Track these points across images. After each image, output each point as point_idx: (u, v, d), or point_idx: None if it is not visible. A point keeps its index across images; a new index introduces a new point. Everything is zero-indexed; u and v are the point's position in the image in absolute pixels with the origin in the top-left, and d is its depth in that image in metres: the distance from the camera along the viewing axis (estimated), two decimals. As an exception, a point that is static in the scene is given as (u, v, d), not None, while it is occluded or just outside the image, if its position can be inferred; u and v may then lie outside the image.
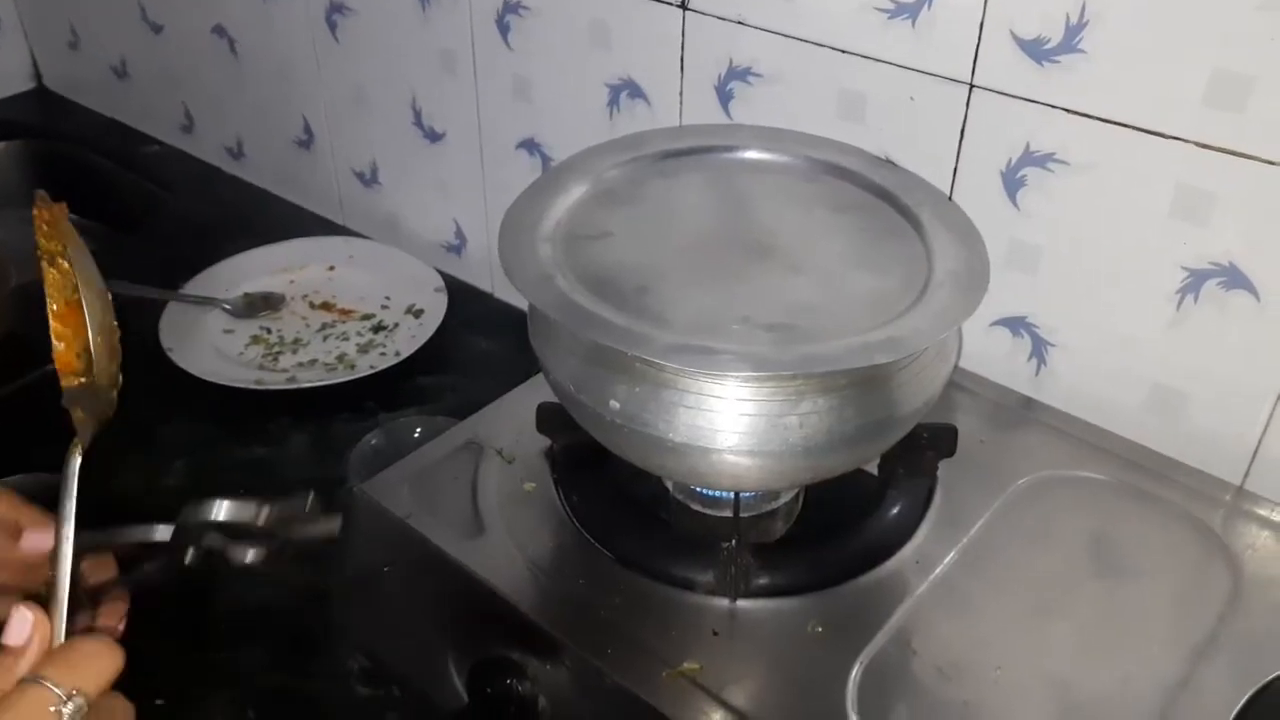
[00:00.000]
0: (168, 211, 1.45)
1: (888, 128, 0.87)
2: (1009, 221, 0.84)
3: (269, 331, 1.20)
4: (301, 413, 1.09)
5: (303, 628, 0.89)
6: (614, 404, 0.65)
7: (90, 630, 0.55)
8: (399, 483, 0.78)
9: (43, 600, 0.47)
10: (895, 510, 0.77)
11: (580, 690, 0.68)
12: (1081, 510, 0.78)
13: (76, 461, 0.52)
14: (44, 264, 0.54)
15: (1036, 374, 0.89)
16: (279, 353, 1.16)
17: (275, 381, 1.10)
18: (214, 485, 1.02)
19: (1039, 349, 0.88)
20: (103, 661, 0.46)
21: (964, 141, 0.84)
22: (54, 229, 0.54)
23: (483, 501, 0.78)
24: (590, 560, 0.74)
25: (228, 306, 1.21)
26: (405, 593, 0.79)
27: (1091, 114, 0.77)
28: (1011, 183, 0.83)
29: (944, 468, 0.80)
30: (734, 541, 0.70)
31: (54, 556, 0.48)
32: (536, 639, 0.69)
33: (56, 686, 0.44)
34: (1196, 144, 0.74)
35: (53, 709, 0.43)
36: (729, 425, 0.63)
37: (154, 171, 1.53)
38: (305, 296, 1.25)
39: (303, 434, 1.08)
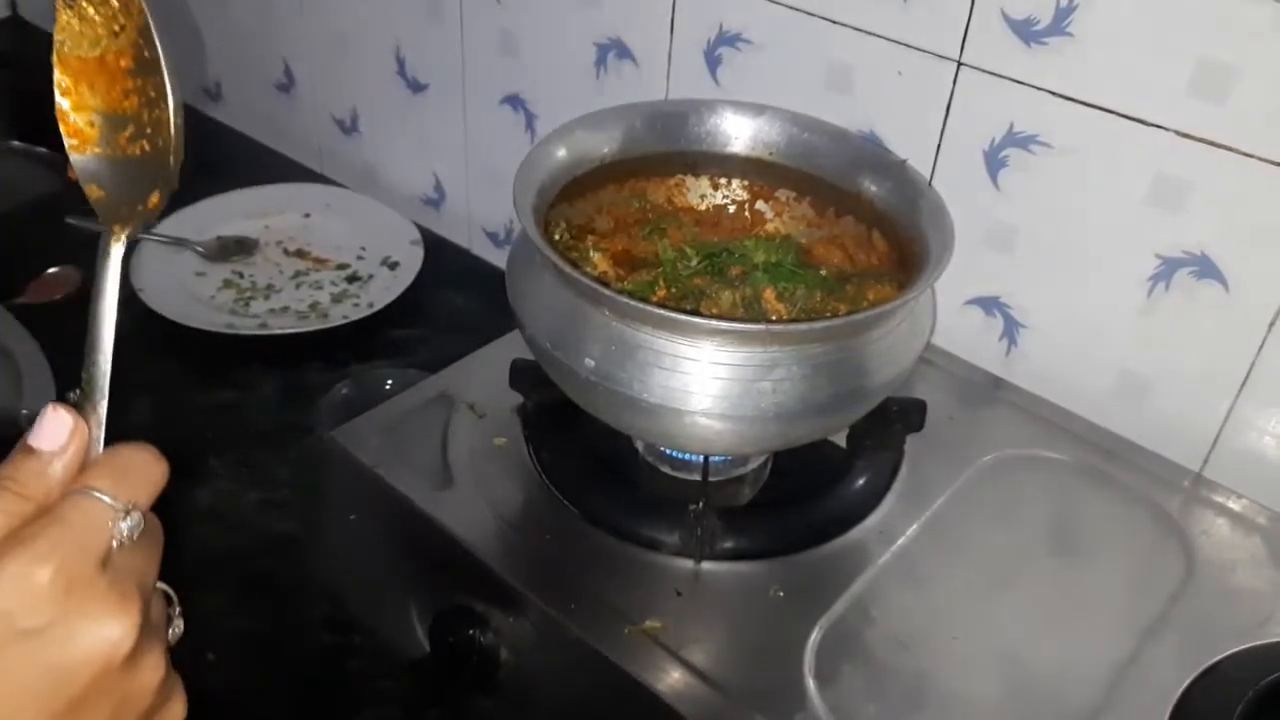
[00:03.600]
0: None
1: (874, 100, 0.87)
2: (989, 201, 0.85)
3: (241, 276, 1.19)
4: (272, 359, 1.09)
5: (265, 573, 0.89)
6: (589, 362, 0.65)
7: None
8: (369, 432, 0.78)
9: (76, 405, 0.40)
10: (861, 481, 0.78)
11: (542, 644, 0.69)
12: (1043, 489, 0.79)
13: (117, 246, 0.44)
14: (60, 6, 0.45)
15: (1007, 354, 0.90)
16: (251, 298, 1.15)
17: (246, 327, 1.09)
18: (179, 427, 1.02)
19: (1010, 329, 0.89)
20: (153, 471, 0.40)
21: (949, 119, 0.84)
22: None
23: (452, 454, 0.78)
24: (558, 517, 0.74)
25: (200, 249, 1.20)
26: (371, 542, 0.79)
27: (1076, 98, 0.77)
28: (994, 162, 0.83)
29: (911, 442, 0.81)
30: (701, 504, 0.71)
31: (90, 352, 0.42)
32: (500, 592, 0.69)
33: (111, 499, 0.37)
34: (1177, 133, 0.74)
35: (110, 524, 0.37)
36: (702, 388, 0.64)
37: (129, 109, 1.50)
38: (280, 243, 1.24)
39: (272, 381, 1.07)
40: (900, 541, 0.74)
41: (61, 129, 0.46)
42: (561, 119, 0.79)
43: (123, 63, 0.45)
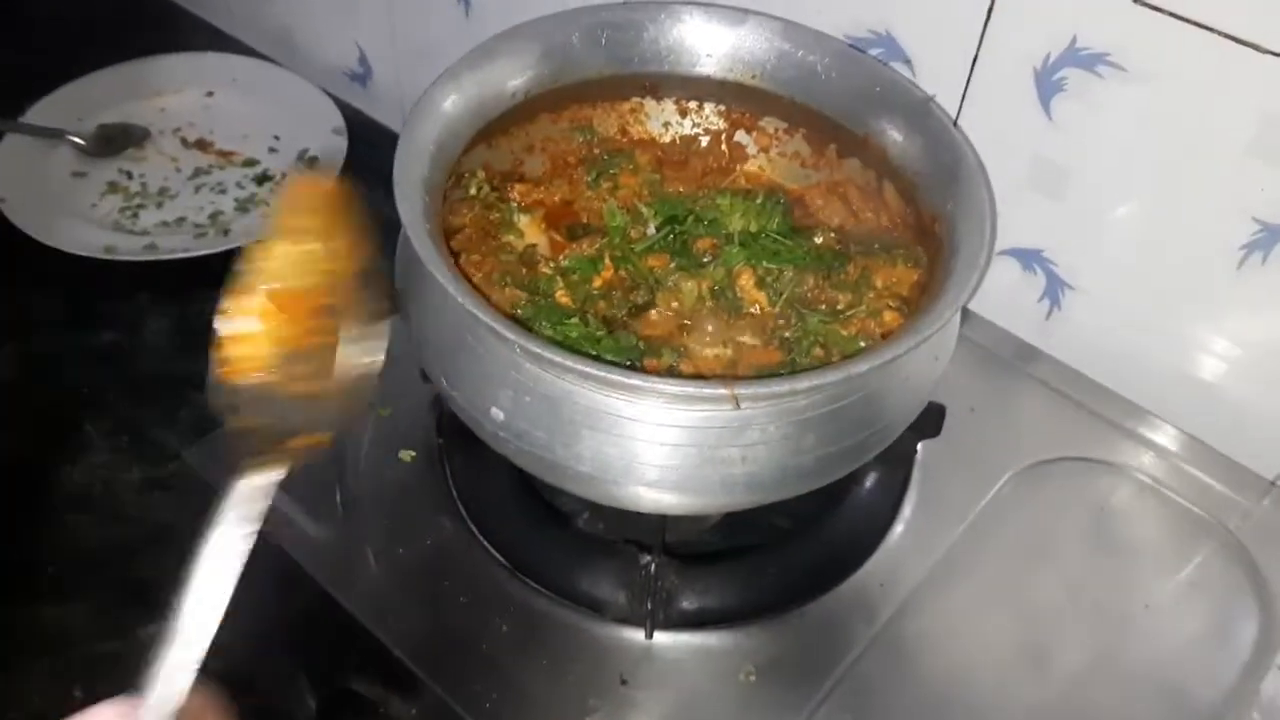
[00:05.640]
0: (5, 10, 1.19)
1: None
2: (1037, 133, 0.65)
3: (129, 176, 0.99)
4: (162, 288, 0.91)
5: (143, 577, 0.74)
6: (497, 414, 0.48)
7: None
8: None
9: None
10: (860, 508, 0.62)
11: (450, 749, 0.55)
12: (1086, 514, 0.64)
13: (260, 489, 0.39)
14: (279, 236, 0.42)
15: (1047, 317, 0.72)
16: (140, 206, 0.96)
17: (131, 250, 0.90)
18: (47, 382, 0.86)
19: (1054, 289, 0.71)
20: None
21: (990, 24, 0.64)
22: (313, 205, 0.43)
23: (345, 476, 0.62)
24: (476, 565, 0.59)
25: (79, 141, 1.00)
26: (244, 595, 0.64)
27: (1165, 8, 0.57)
28: (1046, 85, 0.63)
29: (924, 449, 0.65)
30: (654, 563, 0.55)
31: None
32: (398, 676, 0.55)
33: None
34: (1301, 64, 0.55)
35: None
36: (648, 456, 0.47)
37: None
38: (177, 130, 1.04)
39: (161, 317, 0.89)
40: (907, 595, 0.59)
41: (229, 353, 0.41)
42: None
43: (322, 301, 0.43)
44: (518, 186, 0.62)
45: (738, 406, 0.45)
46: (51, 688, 0.70)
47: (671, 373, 0.50)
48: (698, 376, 0.51)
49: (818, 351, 0.53)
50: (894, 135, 0.59)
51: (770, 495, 0.50)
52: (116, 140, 1.02)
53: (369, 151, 1.03)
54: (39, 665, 0.71)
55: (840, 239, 0.61)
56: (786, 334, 0.56)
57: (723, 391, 0.44)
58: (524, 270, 0.57)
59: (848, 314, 0.57)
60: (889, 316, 0.56)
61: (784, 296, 0.57)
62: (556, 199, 0.63)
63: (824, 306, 0.57)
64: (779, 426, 0.47)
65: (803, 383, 0.44)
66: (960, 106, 0.67)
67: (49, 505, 0.78)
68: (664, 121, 0.66)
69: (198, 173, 1.00)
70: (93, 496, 0.79)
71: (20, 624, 0.72)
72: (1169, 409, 0.68)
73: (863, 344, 0.54)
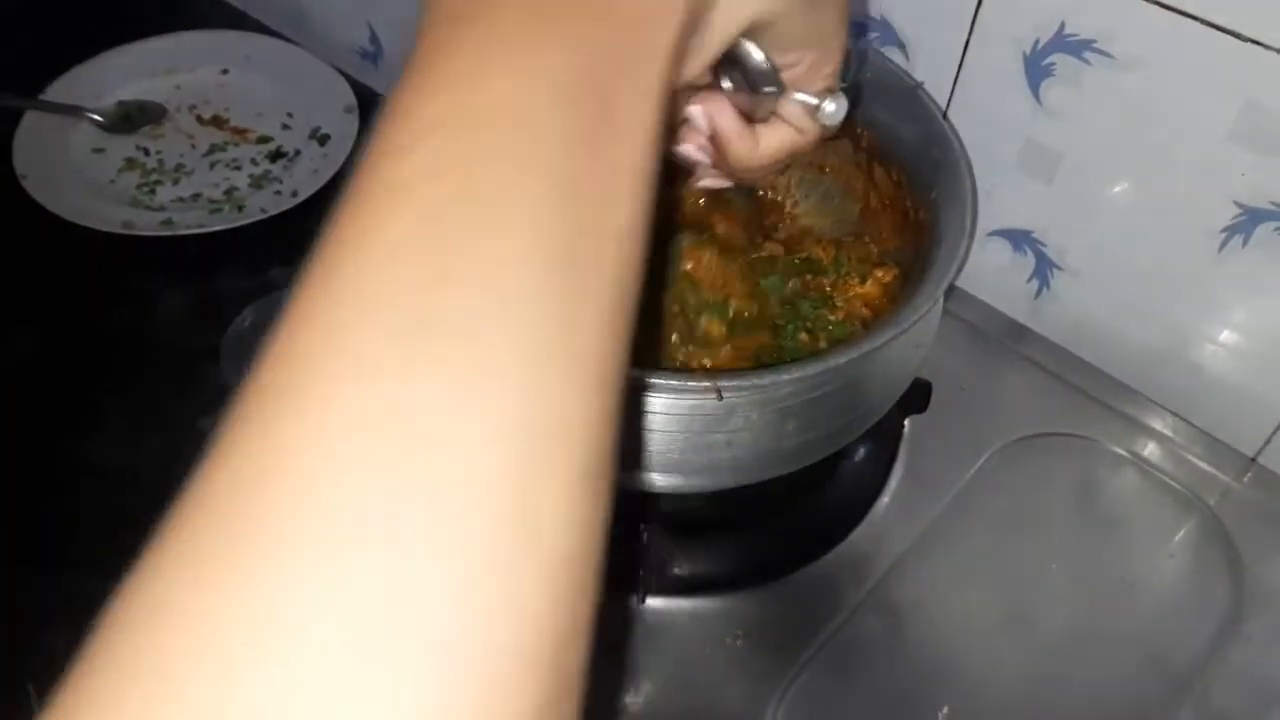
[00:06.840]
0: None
1: (886, -21, 0.68)
2: (1027, 117, 0.67)
3: (147, 153, 1.01)
4: (179, 263, 0.94)
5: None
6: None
7: None
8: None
9: None
10: (848, 481, 0.65)
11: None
12: (1069, 488, 0.66)
13: None
14: None
15: (1036, 296, 0.74)
16: (157, 182, 0.99)
17: (148, 225, 0.93)
18: (66, 357, 0.89)
19: (1043, 270, 0.73)
20: None
21: (981, 8, 0.65)
22: None
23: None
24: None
25: (98, 118, 1.02)
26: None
27: (1151, -3, 0.58)
28: (1036, 70, 0.65)
29: (912, 424, 0.67)
30: (645, 534, 0.58)
31: None
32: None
33: None
34: (1281, 52, 0.56)
35: None
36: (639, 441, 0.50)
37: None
38: (192, 108, 1.06)
39: (179, 292, 0.92)
40: (893, 564, 0.61)
41: None
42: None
43: None
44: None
45: (720, 398, 0.47)
46: (73, 656, 0.74)
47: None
48: (684, 369, 0.53)
49: (803, 337, 0.55)
50: (883, 121, 0.60)
51: (754, 476, 0.52)
52: (134, 117, 1.04)
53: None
54: (60, 629, 0.74)
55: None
56: (778, 321, 0.58)
57: (706, 384, 0.46)
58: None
59: (835, 298, 0.59)
60: (880, 273, 0.58)
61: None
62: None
63: (813, 293, 0.59)
64: (761, 414, 0.49)
65: (783, 375, 0.47)
66: (953, 90, 0.68)
67: (68, 476, 0.81)
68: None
69: (213, 149, 1.02)
70: (111, 467, 0.82)
71: (41, 593, 0.75)
72: (1153, 387, 0.70)
73: (850, 329, 0.56)
